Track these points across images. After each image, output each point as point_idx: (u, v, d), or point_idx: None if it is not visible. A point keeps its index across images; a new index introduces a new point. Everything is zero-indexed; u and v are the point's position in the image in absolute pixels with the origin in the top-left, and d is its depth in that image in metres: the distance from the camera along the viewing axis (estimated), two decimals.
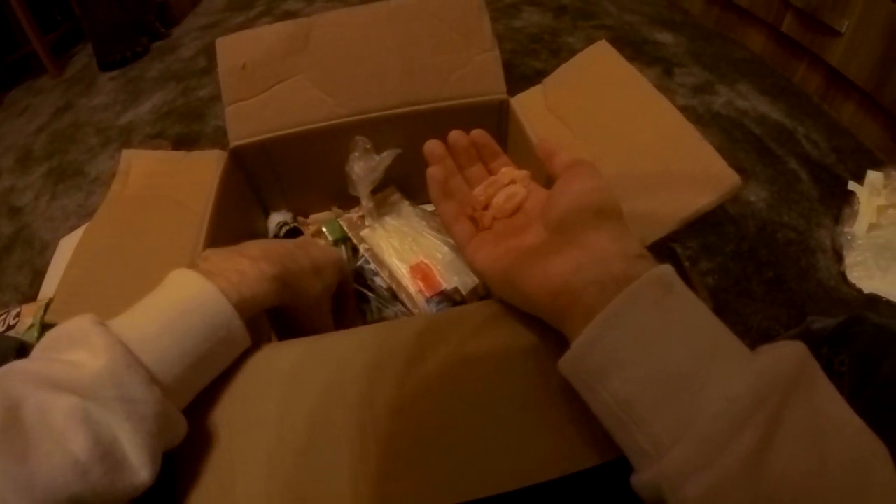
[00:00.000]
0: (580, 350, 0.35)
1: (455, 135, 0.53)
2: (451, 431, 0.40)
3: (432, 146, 0.52)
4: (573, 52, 0.74)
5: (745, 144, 1.23)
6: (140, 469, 0.35)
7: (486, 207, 0.50)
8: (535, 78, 0.75)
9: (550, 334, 0.41)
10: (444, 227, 0.51)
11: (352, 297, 0.61)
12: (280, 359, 0.44)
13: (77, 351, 0.37)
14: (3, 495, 0.30)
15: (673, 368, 0.31)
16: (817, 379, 0.31)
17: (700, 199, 0.52)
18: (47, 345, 0.38)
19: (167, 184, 0.69)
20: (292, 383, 0.43)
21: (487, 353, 0.43)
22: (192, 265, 0.44)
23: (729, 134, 1.25)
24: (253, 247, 0.48)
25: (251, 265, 0.45)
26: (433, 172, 0.50)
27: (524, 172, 0.52)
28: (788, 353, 0.31)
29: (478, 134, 0.54)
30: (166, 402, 0.37)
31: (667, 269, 0.35)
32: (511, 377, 0.42)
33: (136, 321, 0.40)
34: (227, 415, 0.42)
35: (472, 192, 0.52)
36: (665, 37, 1.60)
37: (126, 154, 0.72)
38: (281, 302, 0.47)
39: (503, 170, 0.52)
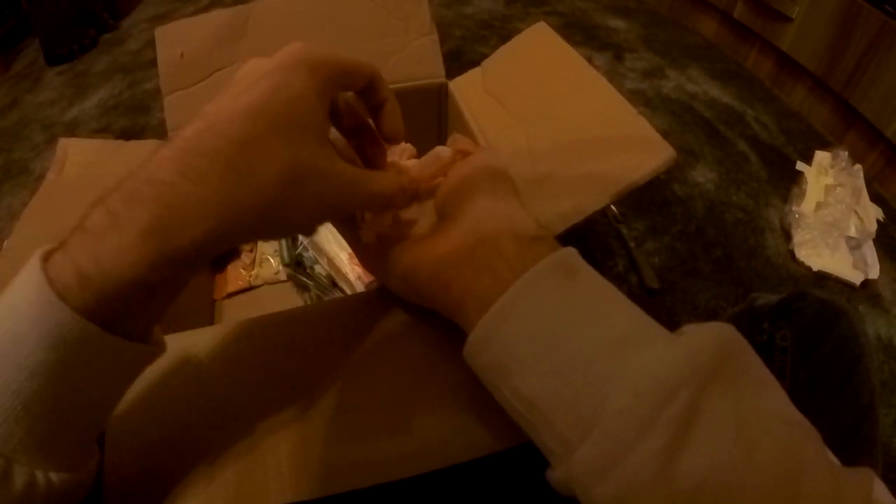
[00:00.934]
0: (475, 345, 0.32)
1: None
2: (364, 414, 0.39)
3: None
4: None
5: (694, 127, 1.24)
6: None
7: None
8: None
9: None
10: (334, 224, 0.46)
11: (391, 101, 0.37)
12: (198, 345, 0.43)
13: None
14: None
15: (576, 361, 0.29)
16: (748, 365, 0.29)
17: (634, 173, 0.51)
18: None
19: (103, 172, 0.67)
20: (202, 371, 0.42)
21: (398, 335, 0.43)
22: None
23: (678, 117, 1.27)
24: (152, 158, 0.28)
25: (118, 198, 0.27)
26: None
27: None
28: (710, 339, 0.28)
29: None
30: (16, 476, 0.26)
31: (568, 252, 0.33)
32: (424, 359, 0.41)
33: None
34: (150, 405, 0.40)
35: None
36: (617, 23, 1.61)
37: (62, 143, 0.69)
38: (179, 255, 0.26)
39: (399, 148, 0.47)
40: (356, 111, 0.37)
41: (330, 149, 0.32)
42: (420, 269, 0.37)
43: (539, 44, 0.70)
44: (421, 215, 0.41)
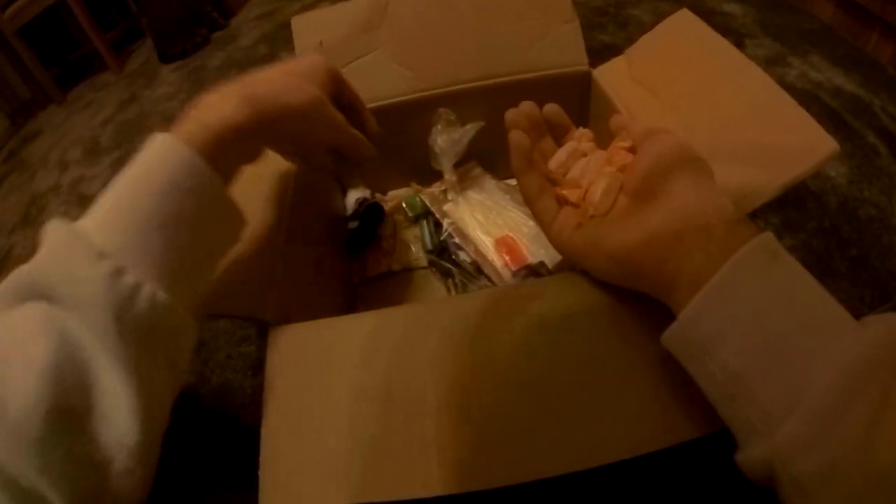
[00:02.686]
0: (688, 322, 0.34)
1: (528, 105, 0.50)
2: (541, 402, 0.39)
3: (515, 115, 0.48)
4: (640, 25, 0.73)
5: (822, 118, 1.16)
6: (109, 371, 0.31)
7: (572, 185, 0.47)
8: (604, 52, 0.74)
9: (634, 304, 0.41)
10: (525, 201, 0.49)
11: (360, 104, 0.58)
12: (355, 329, 0.45)
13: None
14: None
15: (782, 338, 0.31)
16: None
17: (798, 166, 0.50)
18: None
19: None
20: (371, 353, 0.43)
21: (572, 323, 0.43)
22: None
23: (805, 107, 1.20)
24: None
25: (211, 95, 0.43)
26: (517, 138, 0.47)
27: (594, 144, 0.50)
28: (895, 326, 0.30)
29: (551, 109, 0.51)
30: (125, 281, 0.32)
31: (770, 237, 0.34)
32: (599, 346, 0.42)
33: (96, 204, 0.37)
34: (307, 385, 0.43)
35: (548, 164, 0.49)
36: (732, 7, 1.55)
37: None
38: (273, 119, 0.44)
39: (577, 133, 0.50)
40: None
41: (331, 103, 0.50)
42: (632, 250, 0.38)
43: (684, 31, 0.69)
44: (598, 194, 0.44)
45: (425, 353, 0.43)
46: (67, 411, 0.30)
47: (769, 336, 0.31)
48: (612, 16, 1.51)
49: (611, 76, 0.70)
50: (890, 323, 0.30)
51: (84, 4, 2.08)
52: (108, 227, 0.34)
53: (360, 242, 0.77)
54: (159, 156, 0.38)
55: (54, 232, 0.34)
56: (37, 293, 0.32)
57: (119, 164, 1.49)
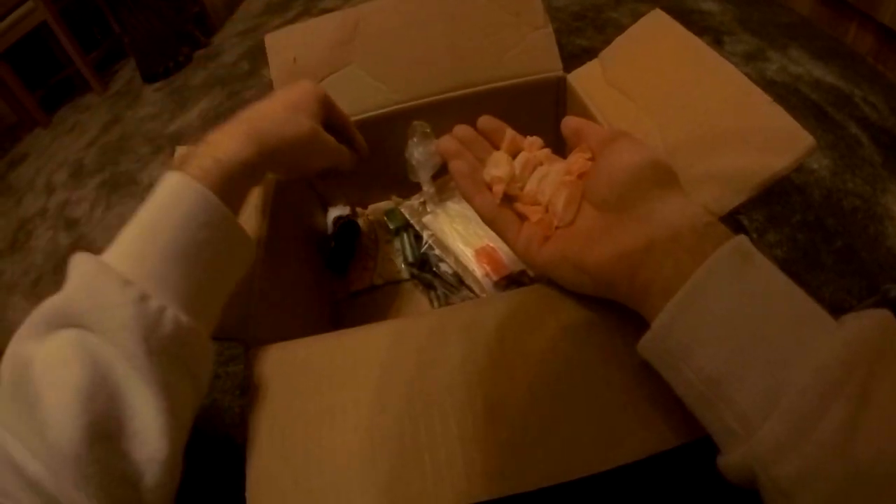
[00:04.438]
0: (661, 330, 0.34)
1: (460, 129, 0.51)
2: (528, 415, 0.39)
3: (446, 142, 0.50)
4: (619, 28, 0.72)
5: (804, 111, 1.19)
6: (140, 389, 0.34)
7: (533, 201, 0.47)
8: (582, 56, 0.74)
9: (612, 312, 0.41)
10: (485, 223, 0.48)
11: (348, 125, 0.64)
12: (371, 341, 0.45)
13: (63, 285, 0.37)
14: (29, 446, 0.31)
15: (758, 342, 0.31)
16: None
17: (776, 162, 0.49)
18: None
19: None
20: (386, 366, 0.43)
21: (554, 334, 0.43)
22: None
23: (786, 101, 1.20)
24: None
25: (217, 133, 0.47)
26: (456, 167, 0.48)
27: (547, 150, 0.50)
28: (874, 322, 0.30)
29: (483, 121, 0.52)
30: (150, 305, 0.35)
31: (742, 239, 0.34)
32: (583, 356, 0.41)
33: (117, 238, 0.40)
34: (322, 396, 0.42)
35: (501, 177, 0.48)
36: (710, 5, 1.55)
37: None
38: (272, 151, 0.49)
39: (527, 142, 0.50)
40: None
41: (324, 130, 0.56)
42: (603, 262, 0.38)
43: (658, 32, 0.68)
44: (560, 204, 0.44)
45: (406, 371, 0.42)
46: (102, 429, 0.32)
47: (744, 340, 0.31)
48: (590, 20, 1.51)
49: (585, 80, 0.69)
50: (868, 320, 0.30)
51: (66, 25, 2.07)
52: (130, 258, 0.37)
53: (341, 260, 0.76)
54: (174, 194, 0.40)
55: (81, 264, 0.37)
56: (68, 321, 0.35)
57: (104, 186, 1.50)
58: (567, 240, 0.43)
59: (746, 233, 0.93)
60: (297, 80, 0.58)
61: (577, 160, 0.45)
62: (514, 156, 0.49)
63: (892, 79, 1.29)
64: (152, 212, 0.40)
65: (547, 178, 0.46)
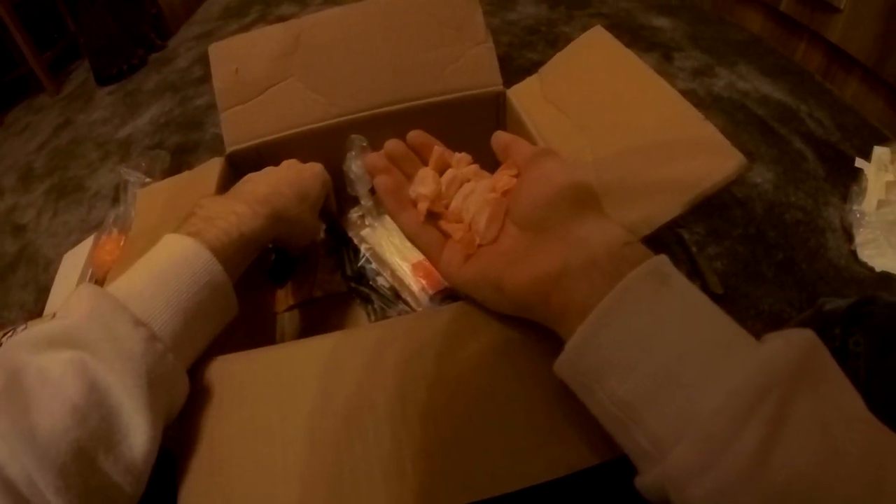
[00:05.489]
0: (574, 351, 0.34)
1: (390, 144, 0.50)
2: (452, 431, 0.39)
3: (373, 159, 0.49)
4: (570, 42, 0.73)
5: (749, 126, 1.21)
6: (134, 416, 0.36)
7: (457, 218, 0.47)
8: (533, 70, 0.74)
9: (536, 331, 0.41)
10: (408, 239, 0.48)
11: (332, 202, 0.72)
12: (303, 356, 0.46)
13: (68, 308, 0.40)
14: (12, 447, 0.31)
15: (671, 364, 0.30)
16: (827, 368, 0.30)
17: (705, 181, 0.50)
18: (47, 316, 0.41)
19: (180, 205, 0.68)
20: (318, 382, 0.43)
21: (479, 352, 0.43)
22: (187, 215, 0.51)
23: (731, 116, 1.24)
24: (246, 188, 0.58)
25: (244, 207, 0.52)
26: (380, 182, 0.47)
27: (475, 167, 0.49)
28: (794, 343, 0.29)
29: (413, 136, 0.51)
30: (157, 346, 0.39)
31: (660, 260, 0.34)
32: (509, 375, 0.41)
33: (126, 279, 0.44)
34: (255, 410, 0.42)
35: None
36: (662, 21, 1.58)
37: (140, 194, 0.74)
38: (277, 234, 0.56)
39: (455, 159, 0.50)
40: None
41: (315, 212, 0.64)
42: (520, 283, 0.38)
43: (596, 48, 0.69)
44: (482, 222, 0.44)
45: (338, 387, 0.42)
46: (91, 446, 0.34)
47: (659, 362, 0.31)
48: (543, 34, 1.53)
49: (524, 95, 0.70)
50: (786, 340, 0.30)
51: (21, 24, 2.02)
52: (141, 301, 0.41)
53: (282, 273, 0.76)
54: (187, 260, 0.45)
55: (94, 297, 0.40)
56: (72, 344, 0.37)
57: (52, 192, 1.47)
58: (488, 259, 0.42)
59: (686, 247, 0.95)
60: (310, 164, 0.66)
61: (503, 177, 0.45)
62: (441, 172, 0.49)
63: (838, 95, 1.33)
64: (164, 267, 0.44)
65: (472, 196, 0.46)
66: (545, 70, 0.71)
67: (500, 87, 0.71)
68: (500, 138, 0.47)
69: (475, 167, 0.49)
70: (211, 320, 0.46)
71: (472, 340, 0.43)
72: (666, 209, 0.50)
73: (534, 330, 0.41)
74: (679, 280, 0.34)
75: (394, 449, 0.39)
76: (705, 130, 0.54)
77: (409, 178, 0.49)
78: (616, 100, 0.63)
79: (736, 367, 0.29)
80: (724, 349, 0.30)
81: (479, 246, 0.44)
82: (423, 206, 0.46)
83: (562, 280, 0.35)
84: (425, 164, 0.50)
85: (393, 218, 0.48)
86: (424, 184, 0.47)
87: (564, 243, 0.37)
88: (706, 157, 0.52)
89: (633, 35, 1.51)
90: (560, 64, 0.71)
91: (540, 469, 0.37)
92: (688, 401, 0.29)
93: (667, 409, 0.30)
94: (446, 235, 0.46)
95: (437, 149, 0.49)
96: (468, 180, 0.47)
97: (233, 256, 0.48)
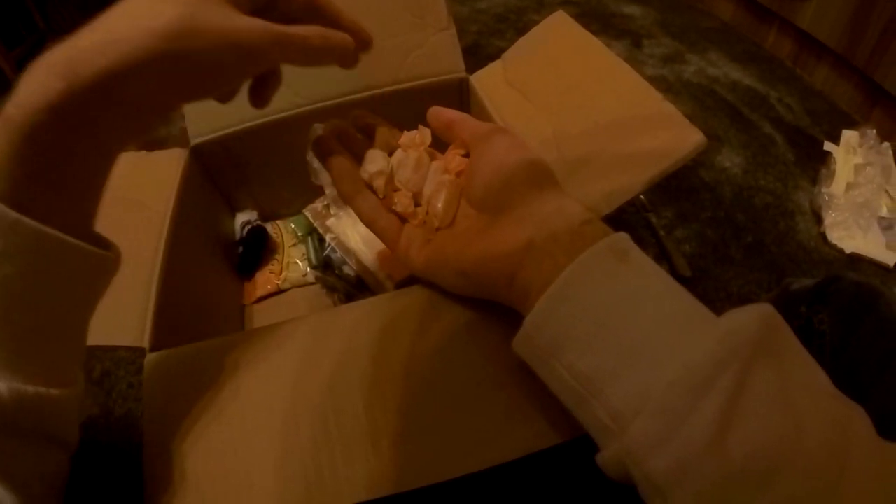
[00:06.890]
0: (532, 327, 0.34)
1: (332, 124, 0.49)
2: (414, 413, 0.39)
3: (322, 141, 0.47)
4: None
5: (718, 111, 1.23)
6: None
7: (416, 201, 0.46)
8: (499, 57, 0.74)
9: (496, 313, 0.41)
10: (364, 224, 0.47)
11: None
12: (255, 344, 0.44)
13: None
14: None
15: (629, 338, 0.30)
16: (787, 342, 0.30)
17: (666, 158, 0.50)
18: None
19: (127, 184, 0.67)
20: (270, 369, 0.42)
21: (439, 334, 0.42)
22: None
23: (701, 102, 1.25)
24: None
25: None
26: (336, 164, 0.45)
27: (424, 147, 0.48)
28: (753, 317, 0.29)
29: (357, 115, 0.50)
30: None
31: (620, 237, 0.34)
32: (467, 356, 0.41)
33: None
34: (210, 400, 0.41)
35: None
36: (633, 9, 1.59)
37: None
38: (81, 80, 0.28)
39: (402, 139, 0.48)
40: None
41: (229, 7, 0.32)
42: (482, 265, 0.38)
43: (559, 33, 0.69)
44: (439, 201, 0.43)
45: (289, 373, 0.42)
46: None
47: (618, 337, 0.31)
48: (512, 22, 1.53)
49: (487, 81, 0.70)
50: (745, 314, 0.29)
51: None
52: None
53: (250, 265, 0.75)
54: None
55: None
56: None
57: None
58: (446, 242, 0.42)
59: (654, 230, 0.96)
60: None
61: (453, 157, 0.44)
62: (390, 152, 0.48)
63: (808, 81, 1.34)
64: None
65: (427, 177, 0.45)
66: (508, 55, 0.71)
67: (463, 74, 0.71)
68: (440, 115, 0.45)
69: (424, 147, 0.48)
70: (50, 301, 0.30)
71: (432, 323, 0.43)
72: (628, 186, 0.50)
73: (493, 311, 0.41)
74: (638, 255, 0.34)
75: (343, 436, 0.38)
76: (665, 109, 0.54)
77: (358, 158, 0.47)
78: (578, 82, 0.63)
79: (695, 341, 0.29)
80: (683, 323, 0.30)
81: (438, 230, 0.43)
82: (380, 183, 0.45)
83: (524, 260, 0.35)
84: (368, 137, 0.49)
85: (348, 202, 0.47)
86: (375, 162, 0.46)
87: (526, 223, 0.37)
88: (666, 135, 0.52)
89: (603, 23, 1.52)
90: (523, 49, 0.70)
91: (501, 450, 0.37)
92: (647, 374, 0.29)
93: (626, 382, 0.30)
94: (402, 219, 0.46)
95: (381, 129, 0.48)
96: (419, 158, 0.46)
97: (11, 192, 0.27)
